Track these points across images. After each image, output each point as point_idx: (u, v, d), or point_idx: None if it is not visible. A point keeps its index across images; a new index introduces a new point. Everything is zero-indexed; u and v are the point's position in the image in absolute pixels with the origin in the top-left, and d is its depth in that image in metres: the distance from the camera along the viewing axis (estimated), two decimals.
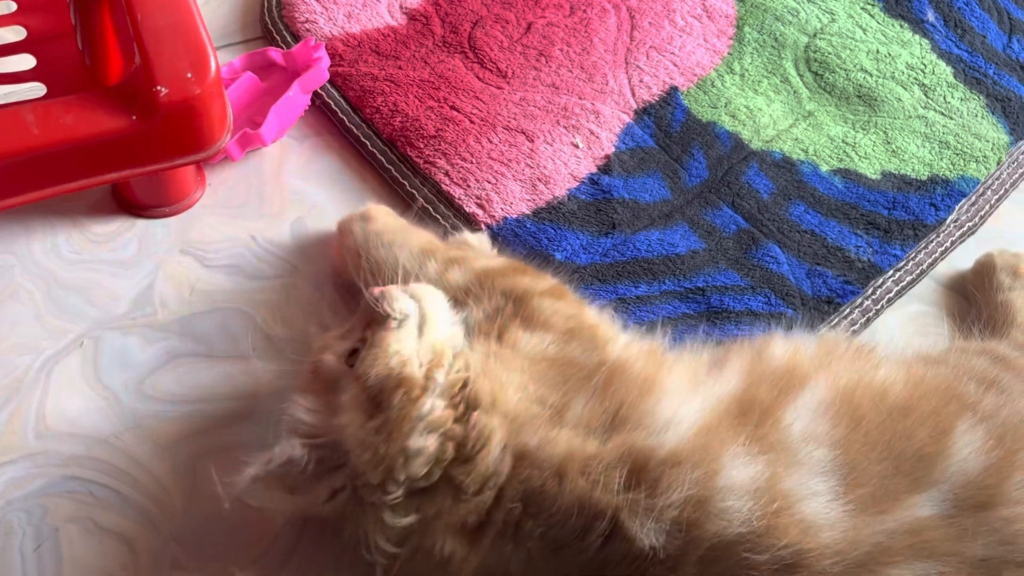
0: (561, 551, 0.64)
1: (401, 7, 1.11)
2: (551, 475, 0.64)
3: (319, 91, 1.02)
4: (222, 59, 1.05)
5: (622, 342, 0.75)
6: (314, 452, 0.66)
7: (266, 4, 1.09)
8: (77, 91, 0.81)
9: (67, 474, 0.77)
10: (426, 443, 0.64)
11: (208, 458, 0.79)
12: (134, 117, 0.75)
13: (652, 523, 0.62)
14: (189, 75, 0.76)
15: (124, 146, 0.76)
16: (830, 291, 0.97)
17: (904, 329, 0.99)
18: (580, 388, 0.69)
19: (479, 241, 0.90)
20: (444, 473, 0.65)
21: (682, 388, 0.70)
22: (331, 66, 1.03)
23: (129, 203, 0.92)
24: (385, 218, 0.87)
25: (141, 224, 0.93)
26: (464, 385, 0.67)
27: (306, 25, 1.06)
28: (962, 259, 1.06)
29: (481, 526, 0.65)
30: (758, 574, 0.62)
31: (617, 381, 0.69)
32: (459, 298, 0.75)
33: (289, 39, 1.06)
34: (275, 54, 1.03)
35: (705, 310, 0.92)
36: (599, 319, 0.78)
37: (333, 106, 1.02)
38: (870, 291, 0.99)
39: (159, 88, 0.76)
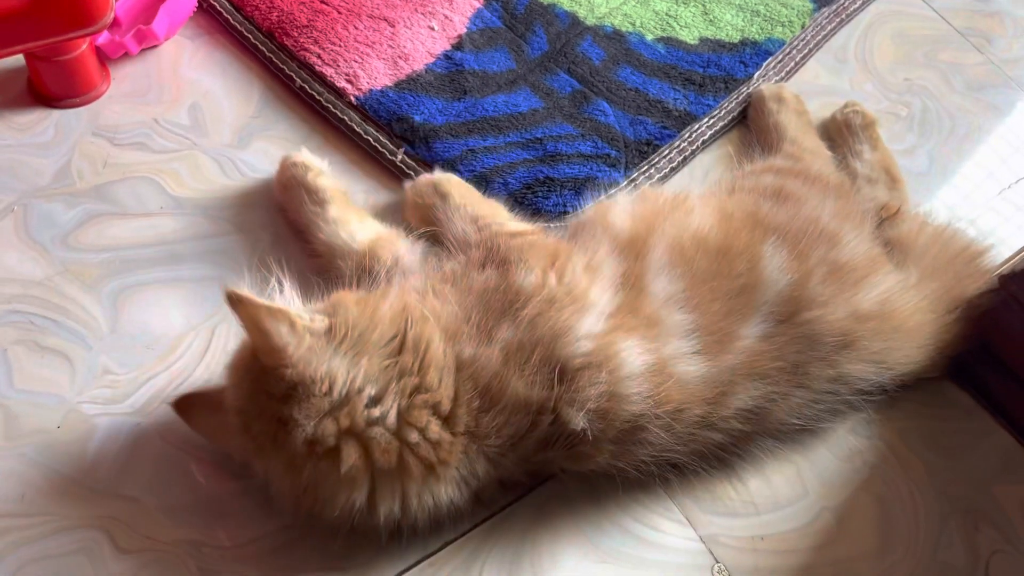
0: (518, 444, 0.80)
1: None
2: (494, 377, 0.78)
3: None
4: None
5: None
6: None
7: None
8: None
9: (9, 309, 0.94)
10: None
11: (126, 293, 0.96)
12: None
13: (580, 411, 0.78)
14: None
15: (25, 21, 0.92)
16: (649, 135, 1.15)
17: (718, 166, 1.18)
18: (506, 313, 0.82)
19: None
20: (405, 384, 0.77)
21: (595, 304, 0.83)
22: None
23: (44, 96, 1.07)
24: (459, 188, 0.99)
25: (56, 114, 1.08)
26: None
27: None
28: None
29: (453, 411, 0.78)
30: (651, 432, 0.81)
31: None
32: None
33: None
34: None
35: (542, 155, 1.10)
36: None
37: (218, 7, 1.17)
38: (686, 134, 1.18)
39: None
